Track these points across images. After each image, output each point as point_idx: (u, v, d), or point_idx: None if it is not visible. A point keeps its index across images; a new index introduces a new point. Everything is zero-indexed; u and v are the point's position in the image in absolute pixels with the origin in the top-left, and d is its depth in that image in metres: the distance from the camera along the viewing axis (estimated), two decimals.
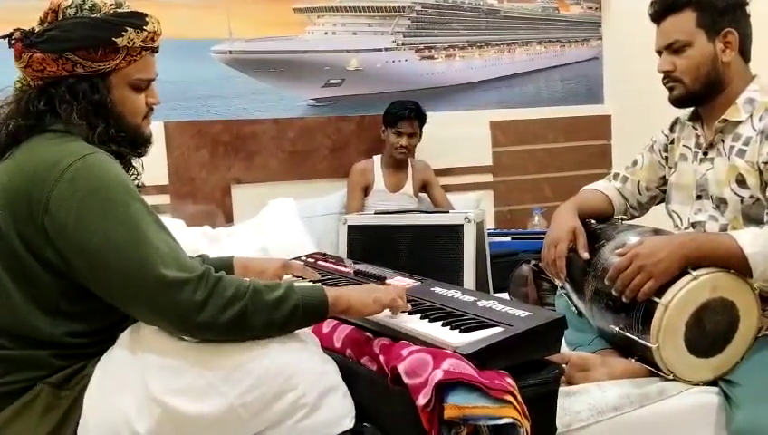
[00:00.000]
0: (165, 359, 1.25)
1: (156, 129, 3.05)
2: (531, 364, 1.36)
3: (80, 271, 1.25)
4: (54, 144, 1.30)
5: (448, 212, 2.60)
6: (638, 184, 1.97)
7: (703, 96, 1.74)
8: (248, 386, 1.25)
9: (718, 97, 1.73)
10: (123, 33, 1.32)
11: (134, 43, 1.34)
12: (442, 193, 3.44)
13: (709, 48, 1.70)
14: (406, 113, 3.24)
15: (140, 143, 1.43)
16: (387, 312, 1.47)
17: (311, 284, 1.61)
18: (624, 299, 1.56)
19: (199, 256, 1.70)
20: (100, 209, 1.23)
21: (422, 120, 3.31)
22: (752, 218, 1.65)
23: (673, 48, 1.73)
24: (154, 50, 1.41)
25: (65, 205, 1.22)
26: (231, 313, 1.23)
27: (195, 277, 1.23)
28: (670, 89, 1.77)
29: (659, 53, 1.77)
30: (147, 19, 1.37)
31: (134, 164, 1.45)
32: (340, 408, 1.36)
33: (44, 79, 1.33)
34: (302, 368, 1.31)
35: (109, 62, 1.33)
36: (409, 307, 1.49)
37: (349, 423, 1.36)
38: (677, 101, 1.78)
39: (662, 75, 1.77)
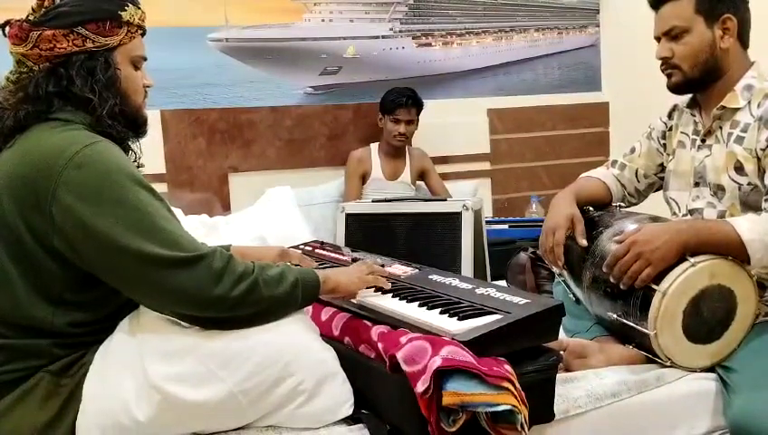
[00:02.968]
0: (164, 346, 1.26)
1: (152, 117, 3.05)
2: (529, 351, 1.37)
3: (89, 257, 1.26)
4: (58, 132, 1.30)
5: (446, 200, 2.60)
6: (636, 171, 1.97)
7: (701, 83, 1.74)
8: (247, 373, 1.26)
9: (716, 84, 1.72)
10: (126, 8, 1.37)
11: (134, 19, 1.39)
12: (439, 181, 3.43)
13: (708, 34, 1.69)
14: (403, 101, 3.23)
15: (140, 123, 1.45)
16: (388, 298, 1.50)
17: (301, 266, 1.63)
18: (622, 286, 1.56)
19: None
20: (110, 195, 1.24)
21: (419, 107, 3.30)
22: (749, 205, 1.65)
23: (671, 34, 1.72)
24: (144, 31, 1.45)
25: (74, 191, 1.23)
26: (244, 286, 1.28)
27: (209, 253, 1.28)
28: (668, 75, 1.76)
29: (658, 39, 1.77)
30: None
31: (133, 148, 1.46)
32: (339, 394, 1.36)
33: (52, 59, 1.33)
34: (300, 355, 1.32)
35: (114, 37, 1.37)
36: (387, 284, 1.57)
37: (348, 410, 1.37)
38: (675, 88, 1.77)
39: (660, 62, 1.77)
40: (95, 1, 1.35)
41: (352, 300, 1.56)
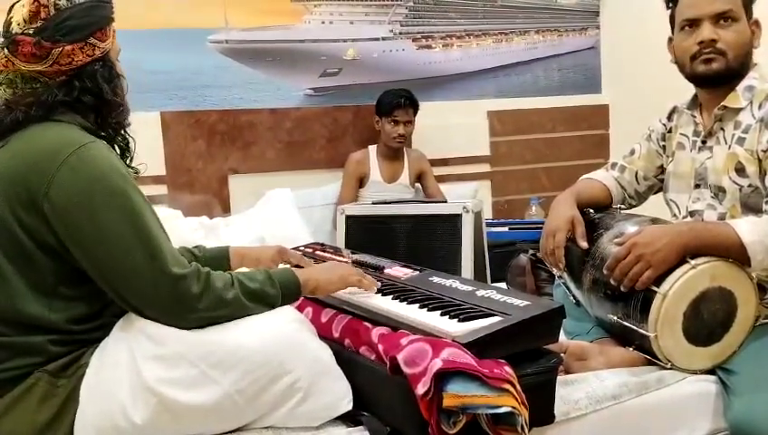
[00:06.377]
0: (159, 348, 1.26)
1: (152, 119, 3.12)
2: (529, 353, 1.37)
3: (79, 257, 1.26)
4: (53, 132, 1.30)
5: (446, 202, 2.60)
6: (636, 173, 1.97)
7: (735, 77, 1.68)
8: (242, 372, 1.26)
9: (729, 82, 1.69)
10: (113, 10, 1.38)
11: (114, 18, 1.39)
12: (435, 184, 3.43)
13: (748, 29, 1.68)
14: (401, 102, 3.23)
15: (128, 123, 1.45)
16: (388, 300, 1.50)
17: (281, 267, 1.63)
18: (622, 288, 1.56)
19: (196, 246, 1.70)
20: (102, 200, 1.24)
21: (416, 107, 3.30)
22: (750, 207, 1.65)
23: (724, 17, 1.65)
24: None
25: (67, 193, 1.23)
26: (227, 297, 1.30)
27: (192, 272, 1.28)
28: (708, 60, 1.66)
29: (691, 23, 1.68)
30: None
31: (129, 146, 1.46)
32: (337, 391, 1.36)
33: (69, 72, 1.33)
34: (295, 352, 1.32)
35: (110, 40, 1.38)
36: (376, 286, 1.57)
37: (346, 406, 1.37)
38: (715, 76, 1.67)
39: (698, 46, 1.67)
40: (96, 8, 1.35)
41: (352, 301, 1.55)
